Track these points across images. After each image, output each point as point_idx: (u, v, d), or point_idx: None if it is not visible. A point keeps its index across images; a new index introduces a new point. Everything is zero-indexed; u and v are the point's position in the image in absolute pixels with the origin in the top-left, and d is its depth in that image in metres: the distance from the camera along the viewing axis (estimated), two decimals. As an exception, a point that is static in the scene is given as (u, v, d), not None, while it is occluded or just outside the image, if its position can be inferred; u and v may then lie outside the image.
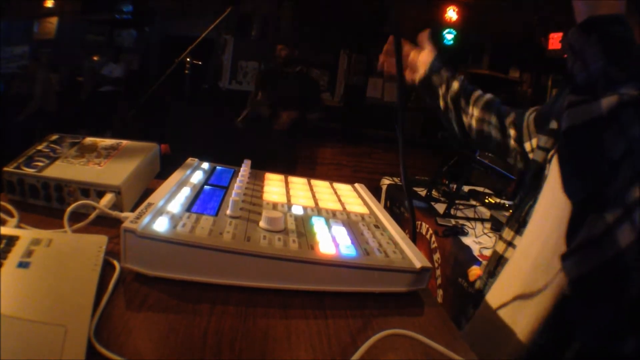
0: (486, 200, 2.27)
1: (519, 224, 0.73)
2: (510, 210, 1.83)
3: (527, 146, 0.86)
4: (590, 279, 0.42)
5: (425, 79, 0.96)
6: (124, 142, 0.86)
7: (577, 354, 0.51)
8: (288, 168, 2.86)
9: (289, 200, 0.74)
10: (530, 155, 0.83)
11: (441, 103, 0.98)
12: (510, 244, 0.74)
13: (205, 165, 0.87)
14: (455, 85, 0.95)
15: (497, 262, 0.75)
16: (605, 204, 0.40)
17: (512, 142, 0.89)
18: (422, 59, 0.97)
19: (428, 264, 0.57)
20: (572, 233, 0.45)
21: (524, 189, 0.77)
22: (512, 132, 0.89)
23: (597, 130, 0.42)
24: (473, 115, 0.94)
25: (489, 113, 0.92)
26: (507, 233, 0.76)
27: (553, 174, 0.63)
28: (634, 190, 0.39)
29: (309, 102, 3.27)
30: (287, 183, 0.85)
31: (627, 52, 0.44)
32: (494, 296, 0.72)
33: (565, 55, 0.50)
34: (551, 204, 0.61)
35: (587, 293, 0.44)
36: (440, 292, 1.82)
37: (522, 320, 0.62)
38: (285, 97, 3.20)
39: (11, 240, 0.49)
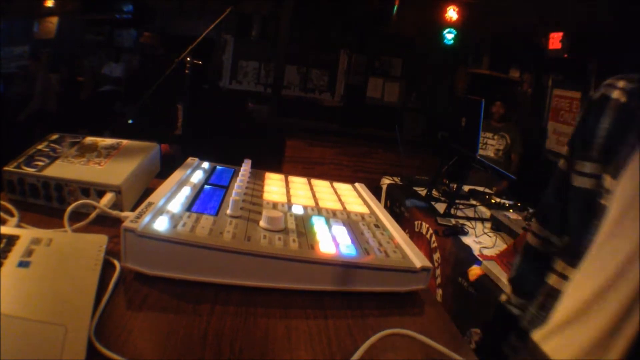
0: (486, 199, 2.27)
1: (573, 256, 0.69)
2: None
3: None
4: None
5: None
6: (124, 141, 0.86)
7: None
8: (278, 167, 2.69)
9: (289, 199, 0.74)
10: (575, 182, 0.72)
11: None
12: (564, 276, 0.71)
13: (206, 164, 0.87)
14: None
15: (547, 295, 0.72)
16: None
17: None
18: None
19: (428, 264, 0.57)
20: None
21: (574, 218, 0.72)
22: None
23: None
24: None
25: None
26: (560, 265, 0.72)
27: (620, 203, 0.61)
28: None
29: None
30: (287, 183, 0.85)
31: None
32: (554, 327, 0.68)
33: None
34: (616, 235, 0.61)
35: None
36: (440, 291, 1.82)
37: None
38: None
39: (11, 240, 0.49)
